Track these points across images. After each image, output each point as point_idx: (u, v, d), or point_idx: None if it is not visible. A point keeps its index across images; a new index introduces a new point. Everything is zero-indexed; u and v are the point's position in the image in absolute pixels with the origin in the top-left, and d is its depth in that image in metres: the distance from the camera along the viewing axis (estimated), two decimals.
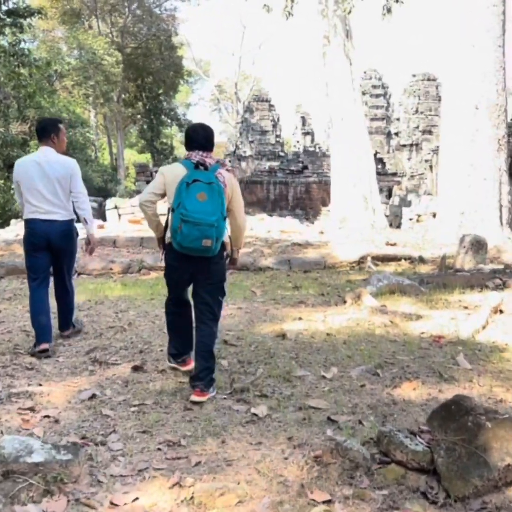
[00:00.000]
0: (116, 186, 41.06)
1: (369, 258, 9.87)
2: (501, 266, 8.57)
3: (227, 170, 3.88)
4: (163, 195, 3.91)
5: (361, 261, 9.89)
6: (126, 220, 17.82)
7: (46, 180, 4.68)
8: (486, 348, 4.73)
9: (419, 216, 17.22)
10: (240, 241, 4.17)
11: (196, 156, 3.81)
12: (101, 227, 15.29)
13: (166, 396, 3.76)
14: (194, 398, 3.65)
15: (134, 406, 3.61)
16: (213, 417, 3.42)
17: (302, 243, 11.37)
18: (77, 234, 5.04)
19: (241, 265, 9.73)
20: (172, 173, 3.82)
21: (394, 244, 11.22)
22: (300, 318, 5.78)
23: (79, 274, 9.57)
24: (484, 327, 5.36)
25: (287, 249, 11.08)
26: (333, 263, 9.89)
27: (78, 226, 5.10)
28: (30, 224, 4.75)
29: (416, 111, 49.85)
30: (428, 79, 47.86)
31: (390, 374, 4.12)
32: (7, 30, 27.96)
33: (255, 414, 3.46)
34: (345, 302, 6.62)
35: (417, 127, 50.28)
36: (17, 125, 30.17)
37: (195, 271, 3.84)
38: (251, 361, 4.34)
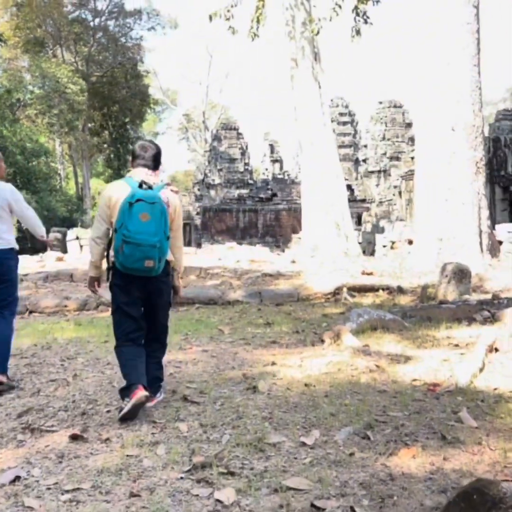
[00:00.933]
0: (82, 216, 40.12)
1: (345, 289, 9.25)
2: (488, 296, 7.99)
3: (171, 190, 3.89)
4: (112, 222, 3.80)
5: (336, 292, 9.25)
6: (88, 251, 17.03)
7: None
8: (490, 398, 4.07)
9: (393, 242, 16.72)
10: (181, 263, 4.14)
11: (141, 175, 3.79)
12: (60, 259, 14.45)
13: (108, 477, 3.00)
14: (139, 394, 3.57)
15: (67, 492, 2.85)
16: (166, 507, 2.68)
17: (273, 273, 10.71)
18: (17, 262, 4.81)
19: (208, 299, 9.06)
20: (115, 193, 3.76)
21: (370, 273, 10.62)
22: (273, 363, 5.07)
23: (30, 312, 8.77)
24: (481, 370, 4.71)
25: (257, 280, 10.41)
26: (307, 295, 9.23)
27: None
28: None
29: (383, 138, 50.14)
30: (395, 106, 48.29)
31: (383, 436, 3.42)
32: None
33: (219, 501, 2.72)
34: (322, 341, 5.94)
35: (385, 154, 50.52)
36: None
37: (142, 290, 3.79)
38: (215, 424, 3.60)
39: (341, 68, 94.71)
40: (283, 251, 28.15)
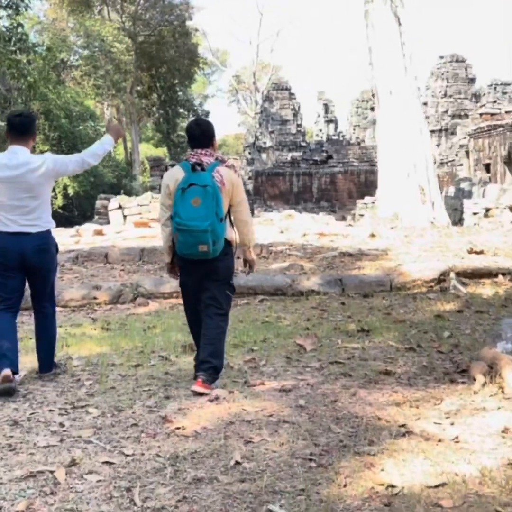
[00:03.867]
0: (131, 182, 38.53)
1: (452, 275, 7.05)
2: None
3: (226, 166, 3.86)
4: None
5: (441, 278, 7.06)
6: (132, 222, 15.15)
7: (25, 187, 3.94)
8: None
9: (488, 210, 14.21)
10: (248, 238, 4.04)
11: (194, 157, 3.81)
12: (98, 233, 12.62)
13: None
14: (195, 388, 3.67)
15: None
16: None
17: (353, 252, 8.57)
18: (57, 249, 4.25)
19: (275, 289, 7.03)
20: (173, 180, 3.80)
21: (481, 252, 8.34)
22: (405, 433, 2.99)
23: None
24: None
25: (334, 261, 8.30)
26: (403, 282, 7.09)
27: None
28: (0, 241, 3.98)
29: (445, 95, 46.98)
30: (457, 61, 45.01)
31: None
32: (1, 13, 25.45)
33: None
34: (463, 372, 3.84)
35: (446, 112, 47.36)
36: None
37: (202, 271, 3.83)
38: None
39: None
40: (345, 218, 25.82)
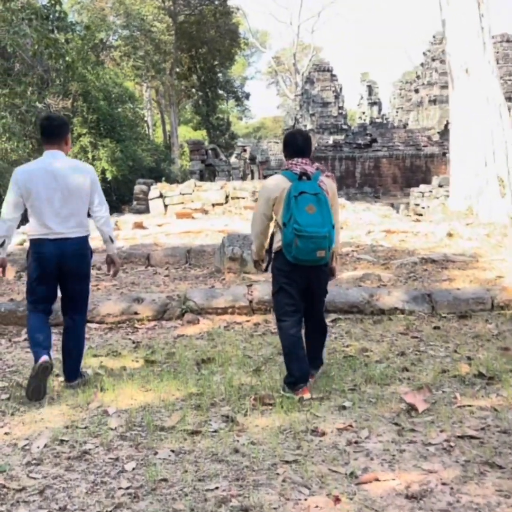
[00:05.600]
0: (170, 166, 37.54)
1: None
2: None
3: (326, 176, 3.94)
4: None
5: None
6: (174, 213, 14.04)
7: (59, 191, 3.89)
8: None
9: None
10: (338, 244, 4.18)
11: (298, 166, 3.86)
12: (139, 226, 11.54)
13: None
14: (306, 396, 3.73)
15: None
16: None
17: (436, 258, 7.29)
18: (92, 255, 4.18)
19: (350, 306, 5.85)
20: (278, 188, 3.84)
21: None
22: None
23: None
24: None
25: (415, 270, 7.04)
26: (508, 300, 5.81)
27: None
28: (38, 247, 3.93)
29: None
30: (507, 41, 42.85)
31: None
32: None
33: None
34: None
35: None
36: (58, 100, 26.84)
37: (310, 277, 3.90)
38: None
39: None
40: (393, 206, 24.32)
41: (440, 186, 18.83)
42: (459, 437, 3.16)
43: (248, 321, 5.86)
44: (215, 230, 10.18)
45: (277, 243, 3.89)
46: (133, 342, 5.29)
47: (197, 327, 5.69)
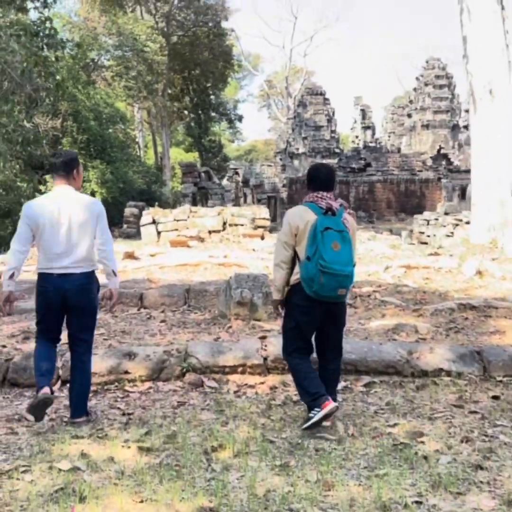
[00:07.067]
0: (161, 188, 36.61)
1: None
2: None
3: (349, 213, 3.88)
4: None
5: None
6: (167, 240, 13.04)
7: (65, 226, 3.97)
8: None
9: None
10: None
11: (323, 200, 3.79)
12: (130, 256, 10.52)
13: None
14: (331, 405, 3.72)
15: None
16: None
17: (476, 304, 6.33)
18: (99, 289, 4.22)
19: (385, 366, 4.87)
20: (303, 220, 3.78)
21: None
22: None
23: (63, 382, 4.88)
24: None
25: (455, 318, 6.07)
26: None
27: None
28: (44, 281, 4.02)
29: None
30: None
31: None
32: (29, 5, 23.67)
33: None
34: None
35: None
36: (48, 120, 25.89)
37: (327, 314, 3.84)
38: None
39: (439, 24, 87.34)
40: (392, 232, 23.45)
41: (446, 213, 17.99)
42: None
43: (262, 383, 4.86)
44: (214, 263, 9.20)
45: (295, 276, 3.83)
46: (123, 414, 4.27)
47: (201, 392, 4.68)
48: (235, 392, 4.67)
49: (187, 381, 4.85)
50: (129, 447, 3.66)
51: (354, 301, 6.78)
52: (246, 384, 4.82)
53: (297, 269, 3.82)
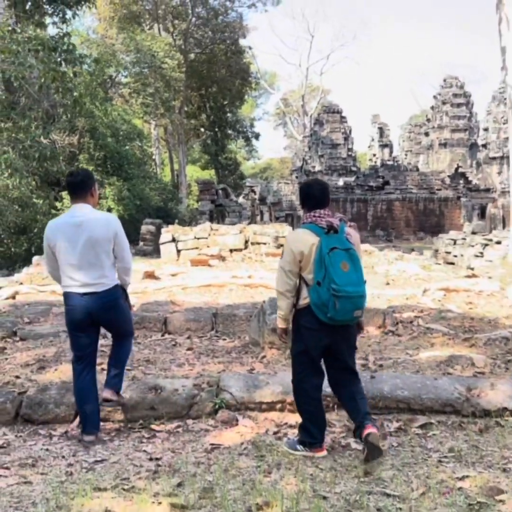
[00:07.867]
0: (178, 206, 36.33)
1: None
2: None
3: (350, 226, 3.78)
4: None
5: None
6: (188, 259, 12.58)
7: (83, 244, 4.00)
8: None
9: None
10: None
11: (322, 219, 3.63)
12: (150, 276, 10.04)
13: None
14: (372, 431, 3.53)
15: None
16: None
17: None
18: (127, 297, 4.31)
19: (442, 404, 4.33)
20: (306, 244, 3.60)
21: None
22: None
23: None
24: None
25: (510, 349, 5.53)
26: None
27: None
28: (69, 299, 4.07)
29: (507, 121, 43.97)
30: None
31: None
32: (47, 20, 23.58)
33: None
34: None
35: (507, 138, 44.38)
36: (64, 136, 25.70)
37: (336, 337, 3.67)
38: None
39: (454, 44, 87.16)
40: (413, 250, 22.86)
41: (474, 233, 17.42)
42: None
43: None
44: (239, 284, 8.72)
45: (304, 300, 3.66)
46: (151, 459, 3.76)
47: (236, 432, 4.16)
48: (274, 433, 4.15)
49: (220, 419, 4.34)
50: (159, 502, 3.15)
51: (396, 328, 6.26)
52: (286, 424, 4.29)
53: (305, 294, 3.64)
